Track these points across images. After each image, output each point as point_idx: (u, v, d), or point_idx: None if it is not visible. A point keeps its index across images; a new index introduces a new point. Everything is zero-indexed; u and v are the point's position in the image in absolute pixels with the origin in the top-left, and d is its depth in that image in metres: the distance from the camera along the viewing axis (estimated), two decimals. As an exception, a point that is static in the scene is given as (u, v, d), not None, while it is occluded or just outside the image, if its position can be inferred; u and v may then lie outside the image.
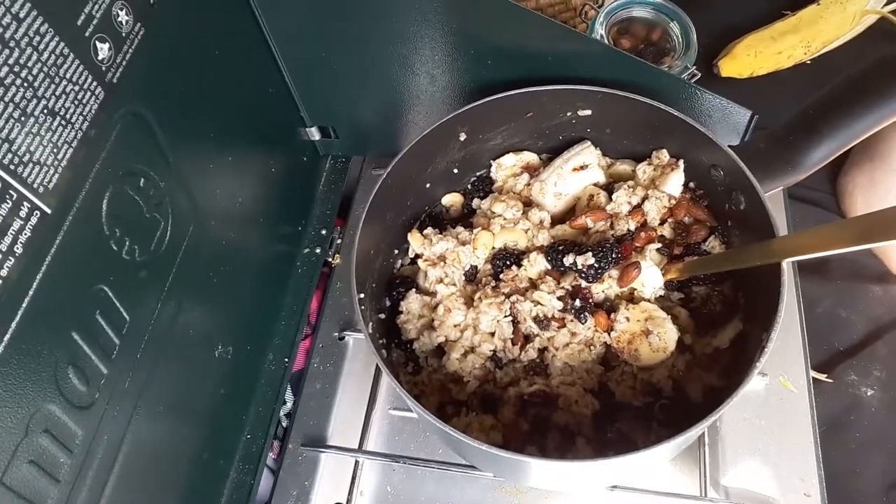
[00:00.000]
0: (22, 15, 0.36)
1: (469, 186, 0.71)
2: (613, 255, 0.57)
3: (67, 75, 0.40)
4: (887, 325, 0.74)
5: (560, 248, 0.59)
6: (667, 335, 0.56)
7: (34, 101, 0.37)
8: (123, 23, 0.45)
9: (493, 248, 0.63)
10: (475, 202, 0.69)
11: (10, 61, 0.36)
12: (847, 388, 0.70)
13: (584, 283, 0.58)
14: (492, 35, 0.61)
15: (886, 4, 0.87)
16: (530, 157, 0.69)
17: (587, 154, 0.65)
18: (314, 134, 0.79)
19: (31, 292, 0.38)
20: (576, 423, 0.57)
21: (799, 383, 0.66)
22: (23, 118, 0.37)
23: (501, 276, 0.61)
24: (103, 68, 0.43)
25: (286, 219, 0.77)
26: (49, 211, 0.39)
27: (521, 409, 0.58)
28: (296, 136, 0.78)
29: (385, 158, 0.81)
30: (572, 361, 0.58)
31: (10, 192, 0.36)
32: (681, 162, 0.62)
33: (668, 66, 0.79)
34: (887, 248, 0.76)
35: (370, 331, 0.55)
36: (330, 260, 0.80)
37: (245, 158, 0.65)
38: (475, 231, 0.63)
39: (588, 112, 0.63)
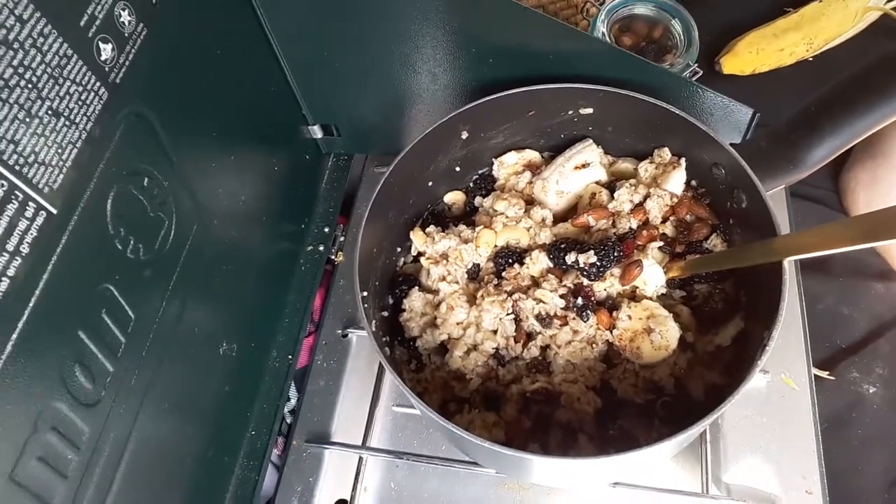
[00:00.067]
0: (25, 17, 0.36)
1: (471, 184, 0.71)
2: (615, 254, 0.57)
3: (71, 76, 0.40)
4: (889, 322, 0.74)
5: (562, 246, 0.59)
6: (668, 333, 0.56)
7: (38, 102, 0.38)
8: (126, 23, 0.45)
9: (496, 246, 0.63)
10: (477, 200, 0.69)
11: (15, 63, 0.36)
12: (849, 386, 0.70)
13: (586, 282, 0.58)
14: (493, 34, 0.61)
15: (889, 1, 0.87)
16: (532, 156, 0.69)
17: (589, 152, 0.65)
18: (316, 132, 0.79)
19: (37, 292, 0.38)
20: (578, 421, 0.57)
21: (801, 381, 0.66)
22: (28, 119, 0.37)
23: (504, 274, 0.61)
24: (106, 69, 0.43)
25: (289, 217, 0.77)
26: (54, 211, 0.39)
27: (523, 407, 0.58)
28: (298, 135, 0.78)
29: (387, 156, 0.82)
30: (574, 359, 0.58)
31: (16, 192, 0.36)
32: (682, 160, 0.62)
33: (670, 63, 0.79)
34: (890, 246, 0.76)
35: (373, 328, 0.55)
36: (333, 258, 0.80)
37: (248, 157, 0.66)
38: (477, 229, 0.63)
39: (590, 110, 0.63)
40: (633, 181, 0.63)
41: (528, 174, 0.67)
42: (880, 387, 0.70)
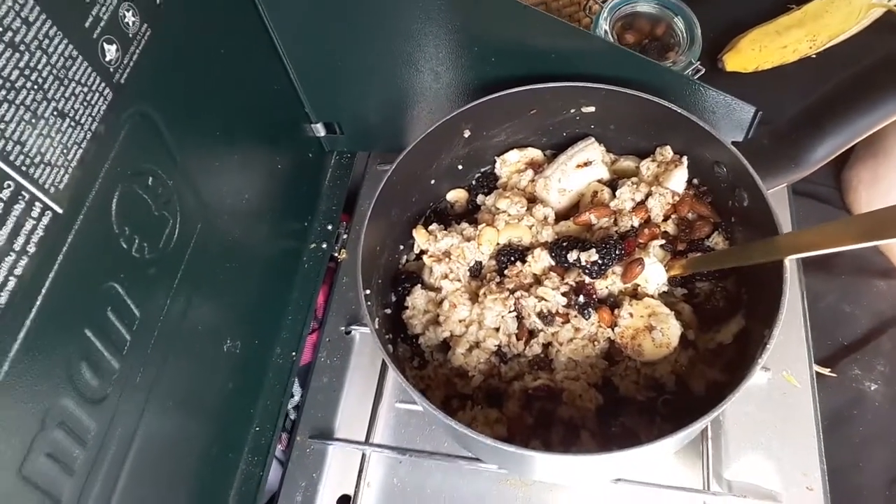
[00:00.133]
0: (31, 19, 0.37)
1: (473, 182, 0.71)
2: (617, 252, 0.57)
3: (76, 77, 0.40)
4: (891, 319, 0.74)
5: (564, 244, 0.59)
6: (670, 331, 0.56)
7: (44, 103, 0.38)
8: (130, 24, 0.45)
9: (498, 244, 0.63)
10: (480, 198, 0.70)
11: (21, 65, 0.36)
12: (850, 383, 0.70)
13: (587, 279, 0.59)
14: (495, 32, 0.61)
15: (893, -3, 0.87)
16: (534, 154, 0.69)
17: (591, 150, 0.65)
18: (319, 130, 0.80)
19: (44, 291, 0.38)
20: (580, 417, 0.57)
21: (802, 378, 0.66)
22: (34, 120, 0.37)
23: (506, 271, 0.61)
24: (111, 69, 0.44)
25: (292, 215, 0.78)
26: (60, 211, 0.39)
27: (525, 403, 0.58)
28: (301, 133, 0.78)
29: (390, 154, 0.82)
30: (576, 356, 0.59)
31: (23, 192, 0.37)
32: (684, 158, 0.62)
33: (673, 61, 0.79)
34: (892, 244, 0.76)
35: (376, 326, 0.56)
36: (336, 255, 0.80)
37: (251, 155, 0.66)
38: (480, 227, 0.63)
39: (591, 109, 0.63)
40: (634, 179, 0.63)
41: (530, 172, 0.68)
42: (882, 384, 0.70)
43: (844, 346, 0.73)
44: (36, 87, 0.37)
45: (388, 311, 0.65)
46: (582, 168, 0.65)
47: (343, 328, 0.76)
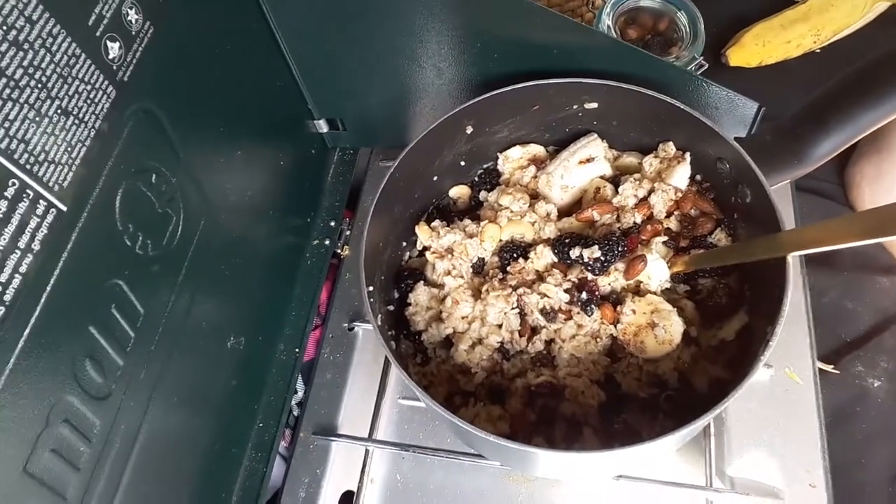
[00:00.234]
0: (35, 17, 0.37)
1: (476, 179, 0.71)
2: (619, 248, 0.57)
3: (80, 75, 0.41)
4: (894, 316, 0.74)
5: (566, 240, 0.59)
6: (672, 327, 0.56)
7: (48, 101, 0.38)
8: (133, 21, 0.45)
9: (501, 240, 0.63)
10: (482, 194, 0.70)
11: (25, 63, 0.36)
12: (853, 380, 0.70)
13: (590, 276, 0.59)
14: (498, 28, 0.61)
15: (899, -8, 0.86)
16: (537, 150, 0.69)
17: (593, 146, 0.65)
18: (322, 126, 0.80)
19: (48, 288, 0.39)
20: (582, 414, 0.57)
21: (805, 374, 0.66)
22: (38, 118, 0.37)
23: (508, 268, 0.61)
24: (114, 67, 0.44)
25: (295, 211, 0.78)
26: (64, 208, 0.40)
27: (528, 400, 0.59)
28: (304, 129, 0.79)
29: (392, 150, 0.82)
30: (579, 353, 0.59)
31: (28, 190, 0.37)
32: (687, 155, 0.62)
33: (676, 56, 0.79)
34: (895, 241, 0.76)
35: (379, 322, 0.56)
36: (339, 251, 0.80)
37: (254, 152, 0.66)
38: (482, 224, 0.63)
39: (594, 105, 0.63)
40: (637, 176, 0.63)
41: (532, 168, 0.68)
42: (885, 381, 0.70)
43: (847, 343, 0.73)
44: (40, 85, 0.38)
45: (391, 307, 0.65)
46: (584, 164, 0.65)
47: (346, 325, 0.76)
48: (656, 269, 0.58)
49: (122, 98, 0.44)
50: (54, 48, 0.38)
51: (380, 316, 0.58)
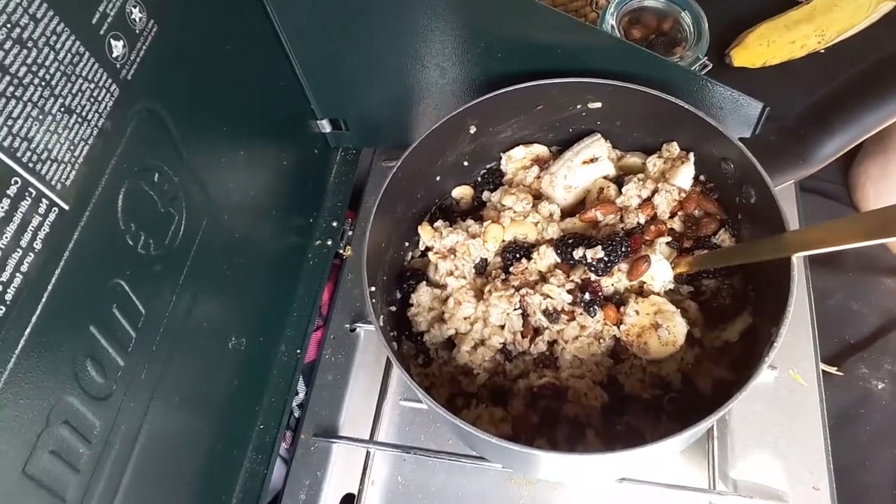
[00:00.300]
0: (39, 15, 0.37)
1: (479, 179, 0.71)
2: (623, 249, 0.57)
3: (83, 73, 0.40)
4: (899, 318, 0.73)
5: (570, 241, 0.59)
6: (676, 328, 0.56)
7: (51, 99, 0.38)
8: (137, 20, 0.45)
9: (503, 241, 0.63)
10: (485, 195, 0.69)
11: (29, 61, 0.36)
12: (857, 382, 0.70)
13: (593, 277, 0.58)
14: (501, 28, 0.61)
15: (903, -8, 0.86)
16: (540, 150, 0.69)
17: (597, 147, 0.65)
18: (325, 126, 0.79)
19: (49, 287, 0.38)
20: (585, 416, 0.57)
21: (809, 376, 0.66)
22: (41, 117, 0.37)
23: (511, 269, 0.61)
24: (118, 65, 0.44)
25: (298, 211, 0.78)
26: (66, 207, 0.39)
27: (530, 402, 0.58)
28: (307, 129, 0.78)
29: (395, 150, 0.82)
30: (581, 354, 0.58)
31: (30, 189, 0.37)
32: (691, 155, 0.62)
33: (680, 56, 0.79)
34: (900, 241, 0.75)
35: (381, 323, 0.55)
36: (341, 252, 0.80)
37: (257, 151, 0.66)
38: (485, 224, 0.63)
39: (598, 105, 0.63)
40: (641, 176, 0.63)
41: (535, 169, 0.67)
42: (889, 383, 0.70)
43: (851, 345, 0.73)
44: (43, 83, 0.37)
45: (393, 308, 0.65)
46: (588, 164, 0.64)
47: (348, 325, 0.76)
48: (660, 270, 0.58)
49: (126, 97, 0.44)
50: (58, 46, 0.38)
51: (382, 316, 0.58)
